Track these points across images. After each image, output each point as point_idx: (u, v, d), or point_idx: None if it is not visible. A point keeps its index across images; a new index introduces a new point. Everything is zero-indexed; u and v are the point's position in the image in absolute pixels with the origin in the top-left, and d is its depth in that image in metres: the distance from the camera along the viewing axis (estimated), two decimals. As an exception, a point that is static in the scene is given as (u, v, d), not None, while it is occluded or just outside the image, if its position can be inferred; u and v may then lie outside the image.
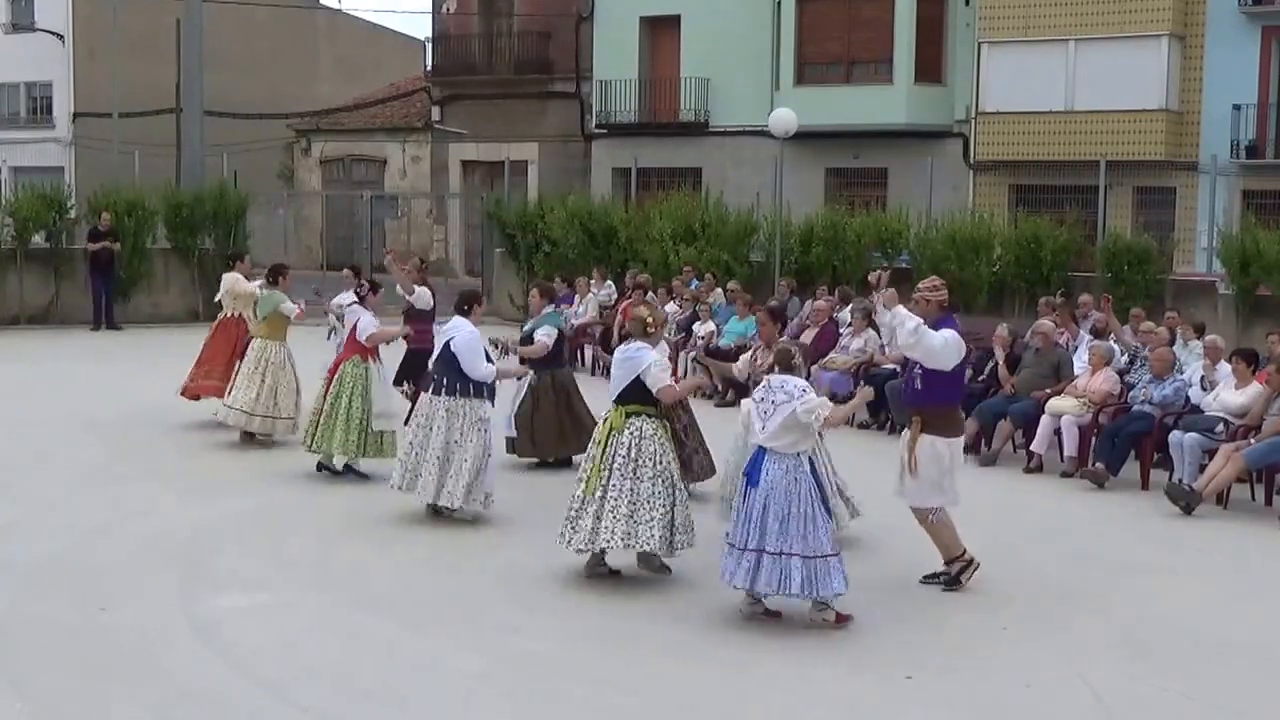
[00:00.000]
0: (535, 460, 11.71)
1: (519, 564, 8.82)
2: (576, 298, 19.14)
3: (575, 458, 11.27)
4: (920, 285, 8.37)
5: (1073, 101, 25.02)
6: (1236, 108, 23.83)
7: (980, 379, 13.50)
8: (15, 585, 8.09)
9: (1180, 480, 10.97)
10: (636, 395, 8.26)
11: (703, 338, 16.81)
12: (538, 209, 23.68)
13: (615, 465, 8.17)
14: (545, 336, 11.15)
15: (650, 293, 18.29)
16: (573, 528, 8.28)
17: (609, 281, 20.13)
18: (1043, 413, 12.26)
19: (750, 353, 9.42)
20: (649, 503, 8.12)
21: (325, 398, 10.95)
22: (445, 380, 9.61)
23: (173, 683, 6.62)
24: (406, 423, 10.96)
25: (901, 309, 8.10)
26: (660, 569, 8.52)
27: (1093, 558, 9.42)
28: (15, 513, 9.85)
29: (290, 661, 6.96)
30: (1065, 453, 12.07)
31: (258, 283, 13.24)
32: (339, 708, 6.40)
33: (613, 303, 19.18)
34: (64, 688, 6.55)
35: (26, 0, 39.58)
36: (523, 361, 10.77)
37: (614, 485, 8.15)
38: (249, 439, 12.54)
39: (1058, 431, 12.14)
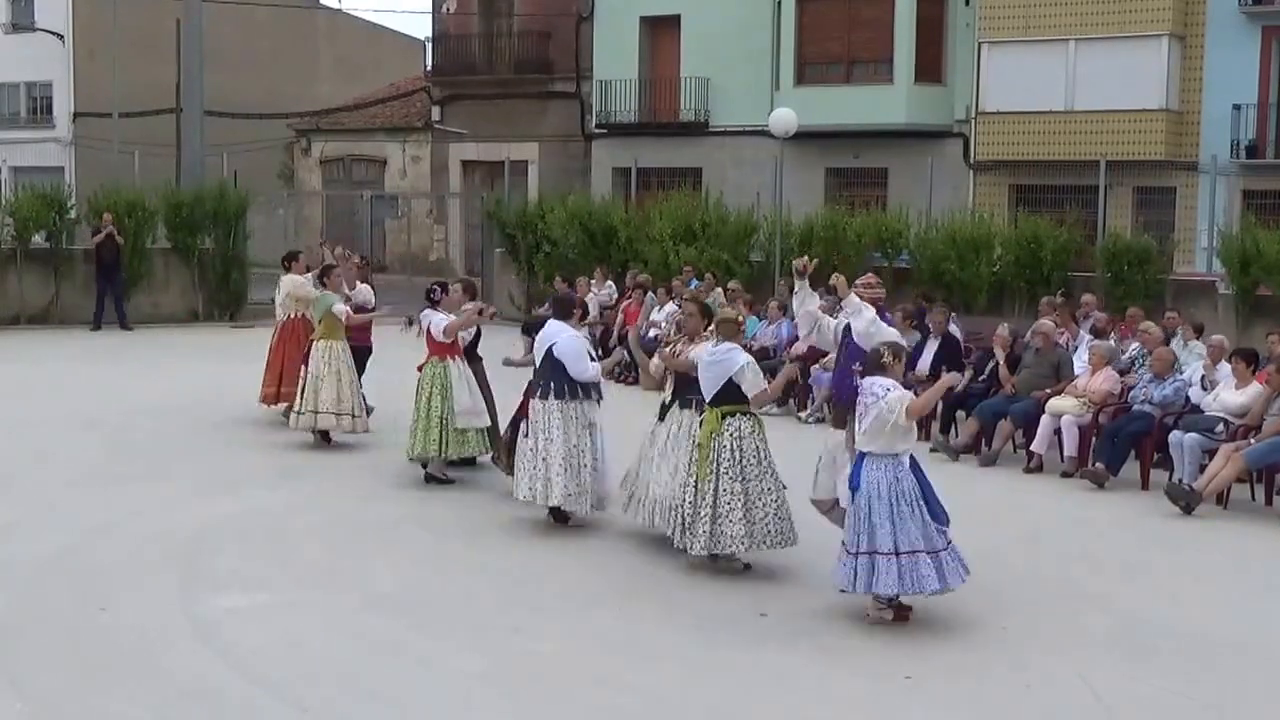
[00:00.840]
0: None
1: (520, 564, 8.82)
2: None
3: None
4: (857, 282, 8.39)
5: (1073, 101, 25.02)
6: (1236, 108, 23.83)
7: (980, 379, 13.51)
8: (15, 585, 8.09)
9: (1180, 480, 10.97)
10: (730, 396, 8.43)
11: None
12: (538, 209, 23.67)
13: (722, 469, 8.33)
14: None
15: (650, 292, 18.34)
16: (692, 534, 8.39)
17: (609, 282, 20.13)
18: (1043, 413, 12.26)
19: (669, 348, 9.26)
20: (760, 500, 8.36)
21: (416, 404, 10.90)
22: (553, 384, 9.47)
23: (173, 683, 6.62)
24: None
25: (855, 298, 8.15)
26: (744, 568, 8.63)
27: (1093, 558, 9.42)
28: (15, 513, 9.85)
29: (291, 661, 6.96)
30: (1065, 453, 12.07)
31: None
32: (340, 708, 6.40)
33: (613, 303, 19.18)
34: (64, 688, 6.55)
35: (26, 0, 39.59)
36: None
37: (724, 489, 8.31)
38: (324, 439, 12.48)
39: (1058, 431, 12.14)
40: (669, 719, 6.45)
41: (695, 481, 8.41)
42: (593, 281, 19.70)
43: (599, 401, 9.69)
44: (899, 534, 7.39)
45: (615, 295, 19.53)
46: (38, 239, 22.42)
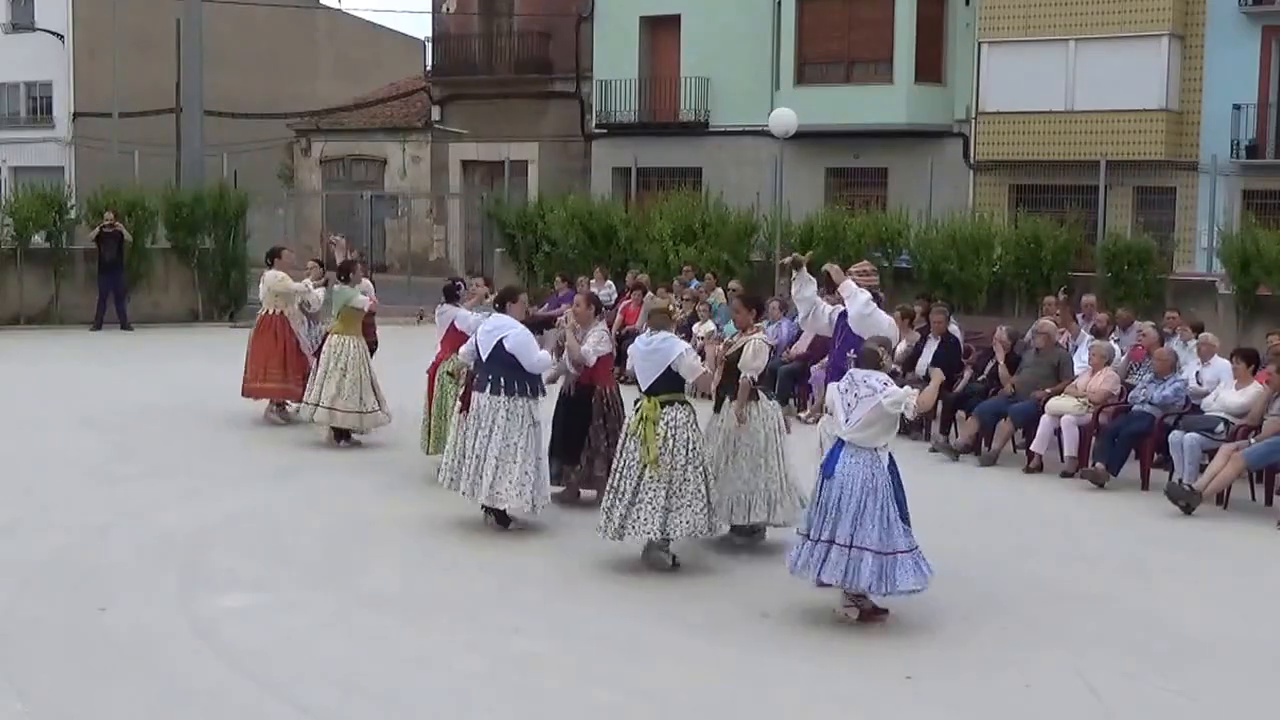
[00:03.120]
0: None
1: (520, 564, 8.82)
2: (577, 297, 19.10)
3: None
4: (853, 268, 8.48)
5: (1073, 101, 25.02)
6: (1237, 107, 23.84)
7: (980, 379, 13.51)
8: (15, 585, 8.08)
9: (1180, 480, 10.97)
10: (668, 385, 8.50)
11: (702, 338, 16.79)
12: (538, 209, 23.66)
13: (658, 457, 8.38)
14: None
15: (650, 292, 18.33)
16: (607, 518, 8.51)
17: (609, 281, 20.12)
18: (1043, 413, 12.26)
19: (716, 340, 9.38)
20: (680, 490, 8.40)
21: (431, 403, 10.88)
22: (502, 380, 9.33)
23: (173, 682, 6.62)
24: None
25: (851, 282, 8.23)
26: (672, 566, 8.63)
27: (1093, 558, 9.42)
28: (15, 512, 9.84)
29: (291, 661, 6.96)
30: (1065, 453, 12.06)
31: (307, 280, 13.45)
32: (339, 707, 6.40)
33: (613, 302, 19.18)
34: (64, 687, 6.55)
35: (26, 0, 39.58)
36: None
37: (649, 477, 8.35)
38: (343, 437, 12.48)
39: (1058, 431, 12.14)
40: (669, 719, 6.45)
41: (623, 468, 8.45)
42: (592, 281, 19.69)
43: (542, 397, 9.61)
44: (855, 529, 7.41)
45: (615, 295, 19.52)
46: (38, 239, 22.40)
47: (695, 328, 17.05)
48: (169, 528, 9.51)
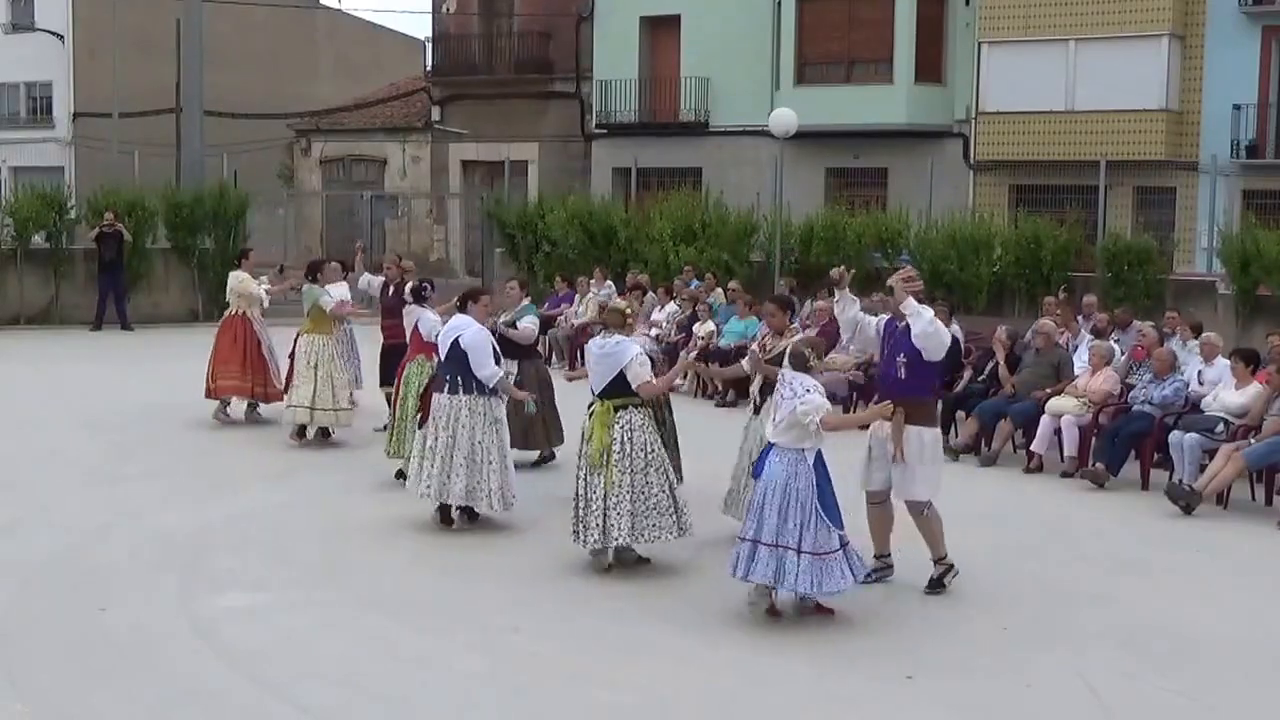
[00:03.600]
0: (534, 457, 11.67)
1: (520, 564, 8.82)
2: (576, 297, 19.15)
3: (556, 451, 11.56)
4: (897, 276, 8.30)
5: (1073, 101, 25.01)
6: (1237, 107, 23.82)
7: (980, 379, 13.51)
8: (15, 585, 8.09)
9: (1180, 480, 10.97)
10: (621, 388, 8.44)
11: (702, 338, 16.79)
12: (538, 209, 23.66)
13: (613, 460, 8.32)
14: (530, 323, 11.17)
15: (650, 293, 18.33)
16: (584, 527, 8.44)
17: (609, 281, 20.12)
18: (1043, 413, 12.26)
19: (756, 344, 9.44)
20: (645, 493, 8.37)
21: (395, 404, 10.88)
22: (461, 379, 9.35)
23: (173, 683, 6.62)
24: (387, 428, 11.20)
25: (912, 300, 8.08)
26: (638, 561, 8.67)
27: (1093, 558, 9.42)
28: (15, 513, 9.85)
29: (291, 662, 6.96)
30: (1065, 453, 12.07)
31: (263, 280, 13.59)
32: (340, 708, 6.40)
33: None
34: (64, 687, 6.55)
35: (26, 0, 39.56)
36: (508, 349, 10.58)
37: (614, 481, 8.30)
38: (324, 436, 12.58)
39: (1058, 431, 12.14)
40: (669, 719, 6.45)
41: (585, 475, 8.42)
42: (592, 281, 19.70)
43: (502, 398, 9.59)
44: (780, 528, 7.46)
45: (614, 295, 19.50)
46: (38, 239, 22.41)
47: (696, 327, 17.05)
48: (169, 528, 9.51)
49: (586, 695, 6.61)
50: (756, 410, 9.10)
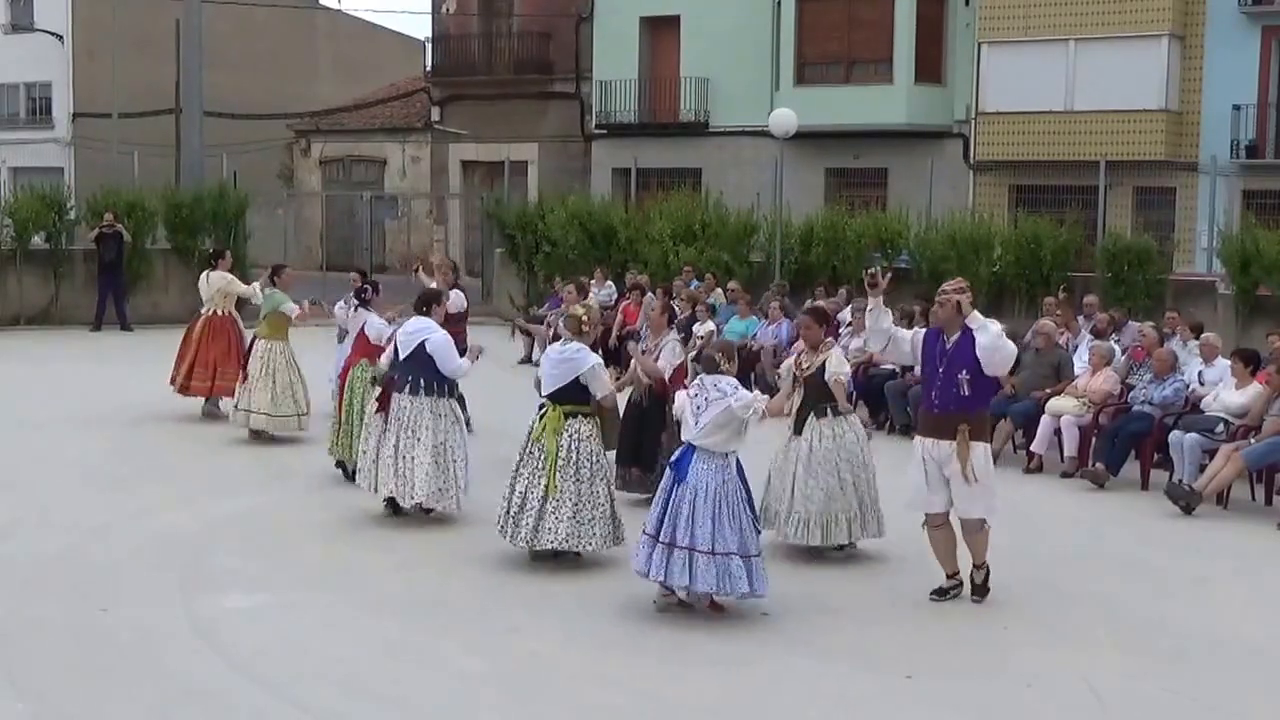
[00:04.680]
0: None
1: (520, 564, 8.82)
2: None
3: None
4: (946, 287, 7.98)
5: (1073, 101, 25.00)
6: (1236, 108, 23.80)
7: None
8: (15, 585, 8.09)
9: (1180, 480, 10.97)
10: (574, 395, 8.49)
11: (702, 338, 16.77)
12: (537, 209, 23.66)
13: (558, 466, 8.39)
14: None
15: (649, 293, 18.31)
16: (515, 523, 8.49)
17: (609, 282, 20.12)
18: (1043, 413, 12.26)
19: (792, 361, 9.25)
20: (590, 502, 8.44)
21: (341, 405, 10.92)
22: (423, 380, 9.49)
23: (173, 683, 6.62)
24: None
25: (978, 313, 7.86)
26: (574, 556, 8.71)
27: (1093, 558, 9.43)
28: (15, 513, 9.85)
29: (291, 662, 6.96)
30: (1065, 453, 12.07)
31: (255, 285, 13.53)
32: (340, 708, 6.40)
33: (612, 303, 19.17)
34: (64, 688, 6.55)
35: (26, 0, 39.56)
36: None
37: (558, 487, 8.38)
38: (257, 436, 12.61)
39: (1058, 432, 12.14)
40: (668, 719, 6.45)
41: (545, 476, 8.43)
42: (592, 282, 19.69)
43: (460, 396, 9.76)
44: (716, 535, 7.46)
45: (615, 296, 19.52)
46: (37, 240, 22.39)
47: (695, 328, 17.02)
48: (169, 528, 9.51)
49: (586, 695, 6.61)
50: (798, 430, 8.88)
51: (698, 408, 7.66)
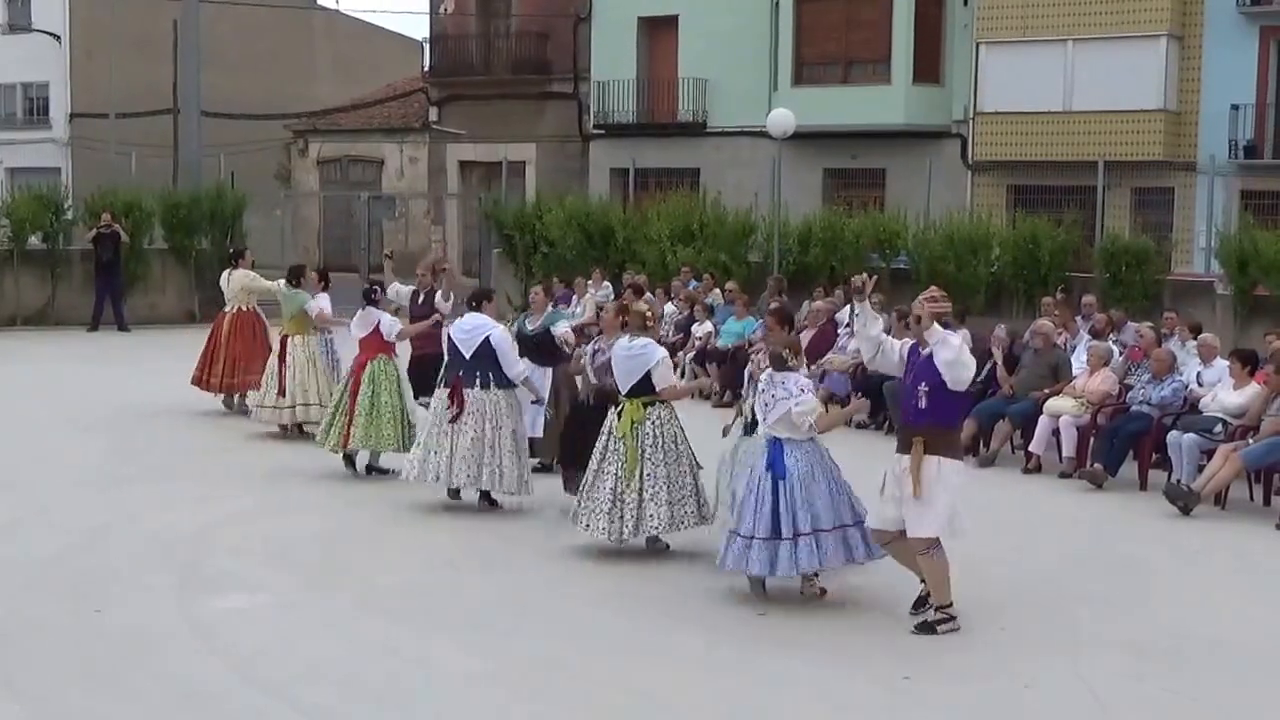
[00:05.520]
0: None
1: (519, 565, 8.82)
2: (575, 298, 19.14)
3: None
4: (921, 298, 7.62)
5: (1071, 102, 24.99)
6: (1235, 108, 23.81)
7: (979, 380, 13.49)
8: (13, 586, 8.07)
9: (1179, 480, 10.97)
10: (648, 388, 8.74)
11: (700, 338, 16.81)
12: (535, 209, 23.64)
13: (646, 455, 8.65)
14: (565, 327, 11.27)
15: (648, 293, 18.31)
16: (610, 519, 8.65)
17: (606, 282, 20.12)
18: (1041, 413, 12.26)
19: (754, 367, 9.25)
20: (679, 484, 8.71)
21: (354, 398, 11.06)
22: (491, 375, 9.80)
23: (172, 684, 6.61)
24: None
25: (938, 328, 7.47)
26: (663, 549, 8.97)
27: (1091, 558, 9.42)
28: (13, 514, 9.83)
29: (290, 662, 6.95)
30: (1064, 453, 12.06)
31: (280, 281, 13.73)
32: (339, 709, 6.39)
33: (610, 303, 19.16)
34: (61, 689, 6.54)
35: (23, 0, 39.53)
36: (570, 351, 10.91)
37: (648, 474, 8.63)
38: (301, 431, 12.76)
39: (1056, 432, 12.14)
40: (668, 719, 6.44)
41: (621, 471, 8.67)
42: (590, 282, 19.69)
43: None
44: (832, 511, 7.82)
45: (612, 296, 19.49)
46: (34, 240, 22.37)
47: (694, 328, 17.05)
48: (167, 528, 9.50)
49: (586, 696, 6.60)
50: (748, 432, 8.66)
51: (765, 404, 7.89)
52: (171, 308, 23.19)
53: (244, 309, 14.21)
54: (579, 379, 10.36)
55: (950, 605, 7.63)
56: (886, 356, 7.87)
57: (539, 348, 10.98)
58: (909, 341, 7.88)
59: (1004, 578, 8.59)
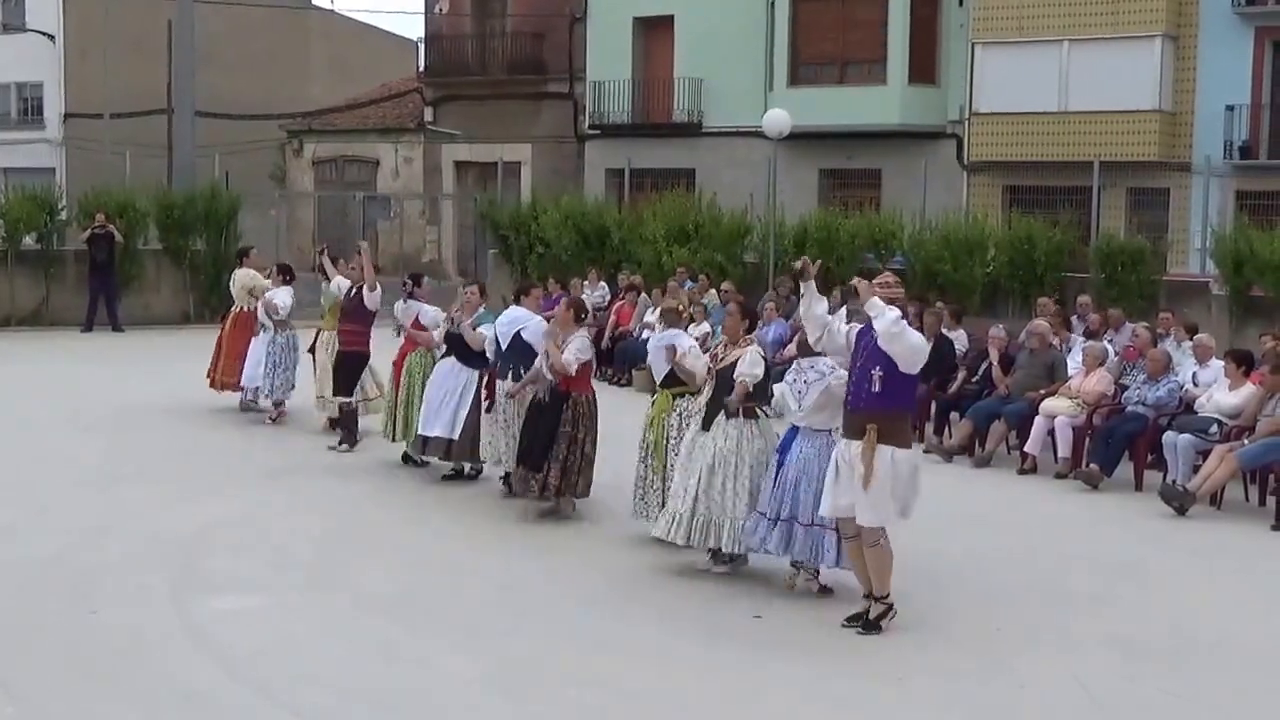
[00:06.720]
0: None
1: (515, 566, 8.81)
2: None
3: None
4: (874, 281, 7.52)
5: (1066, 102, 25.02)
6: (1230, 108, 23.84)
7: (974, 380, 13.50)
8: (7, 587, 8.05)
9: (1174, 481, 10.98)
10: (679, 379, 8.95)
11: (696, 339, 16.74)
12: (531, 210, 23.63)
13: (670, 444, 8.89)
14: (486, 330, 10.65)
15: (645, 294, 18.31)
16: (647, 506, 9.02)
17: (602, 283, 20.11)
18: (1037, 414, 12.26)
19: (710, 355, 8.98)
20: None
21: (397, 391, 11.37)
22: (523, 369, 9.95)
23: (167, 685, 6.59)
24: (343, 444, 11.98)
25: (877, 299, 7.36)
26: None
27: (1087, 558, 9.42)
28: (8, 515, 9.81)
29: (287, 664, 6.94)
30: (1059, 454, 12.07)
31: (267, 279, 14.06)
32: (336, 710, 6.38)
33: (605, 304, 19.16)
34: (56, 690, 6.53)
35: (17, 0, 39.48)
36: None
37: (672, 464, 8.77)
38: (334, 425, 12.87)
39: (1051, 432, 12.14)
40: (666, 719, 6.45)
41: (650, 459, 8.98)
42: (585, 283, 19.67)
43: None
44: (815, 508, 7.81)
45: (608, 296, 19.50)
46: (28, 240, 22.32)
47: (690, 329, 17.01)
48: (164, 529, 9.48)
49: (585, 696, 6.59)
50: (705, 426, 8.51)
51: (799, 391, 7.97)
52: (166, 308, 23.13)
53: (244, 309, 14.28)
54: (535, 381, 9.94)
55: (888, 595, 7.56)
56: (833, 339, 7.77)
57: (468, 348, 10.73)
58: (857, 326, 7.75)
59: (999, 578, 8.59)
